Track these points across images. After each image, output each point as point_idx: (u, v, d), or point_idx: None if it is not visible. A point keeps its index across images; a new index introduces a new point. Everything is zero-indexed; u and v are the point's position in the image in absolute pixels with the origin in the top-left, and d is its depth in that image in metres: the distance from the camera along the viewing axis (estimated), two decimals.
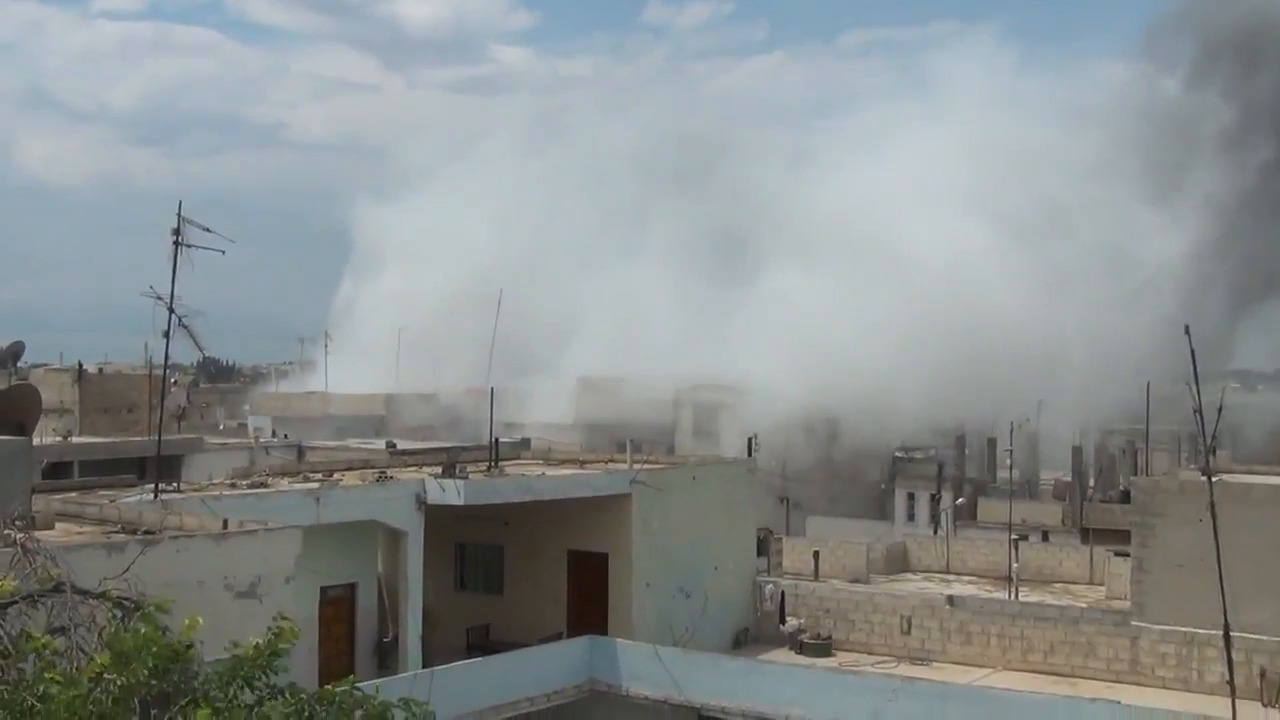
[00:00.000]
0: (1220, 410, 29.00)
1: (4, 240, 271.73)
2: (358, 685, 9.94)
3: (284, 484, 32.27)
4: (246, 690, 9.33)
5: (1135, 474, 52.33)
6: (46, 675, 8.74)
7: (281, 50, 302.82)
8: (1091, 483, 62.83)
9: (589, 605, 35.17)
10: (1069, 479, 60.82)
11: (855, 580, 41.50)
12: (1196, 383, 28.32)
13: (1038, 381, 66.75)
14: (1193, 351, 28.03)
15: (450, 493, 31.94)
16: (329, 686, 9.81)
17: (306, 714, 9.27)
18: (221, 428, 73.89)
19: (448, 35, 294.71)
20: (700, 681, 31.58)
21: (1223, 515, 28.89)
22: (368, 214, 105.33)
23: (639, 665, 32.14)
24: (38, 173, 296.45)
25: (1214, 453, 29.78)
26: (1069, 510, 57.90)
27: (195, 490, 30.34)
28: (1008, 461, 60.54)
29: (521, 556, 36.56)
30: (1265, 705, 29.50)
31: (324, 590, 30.17)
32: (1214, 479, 29.41)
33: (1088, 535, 51.67)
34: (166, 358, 31.93)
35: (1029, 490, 63.00)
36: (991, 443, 64.26)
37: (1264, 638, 30.05)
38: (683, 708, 31.56)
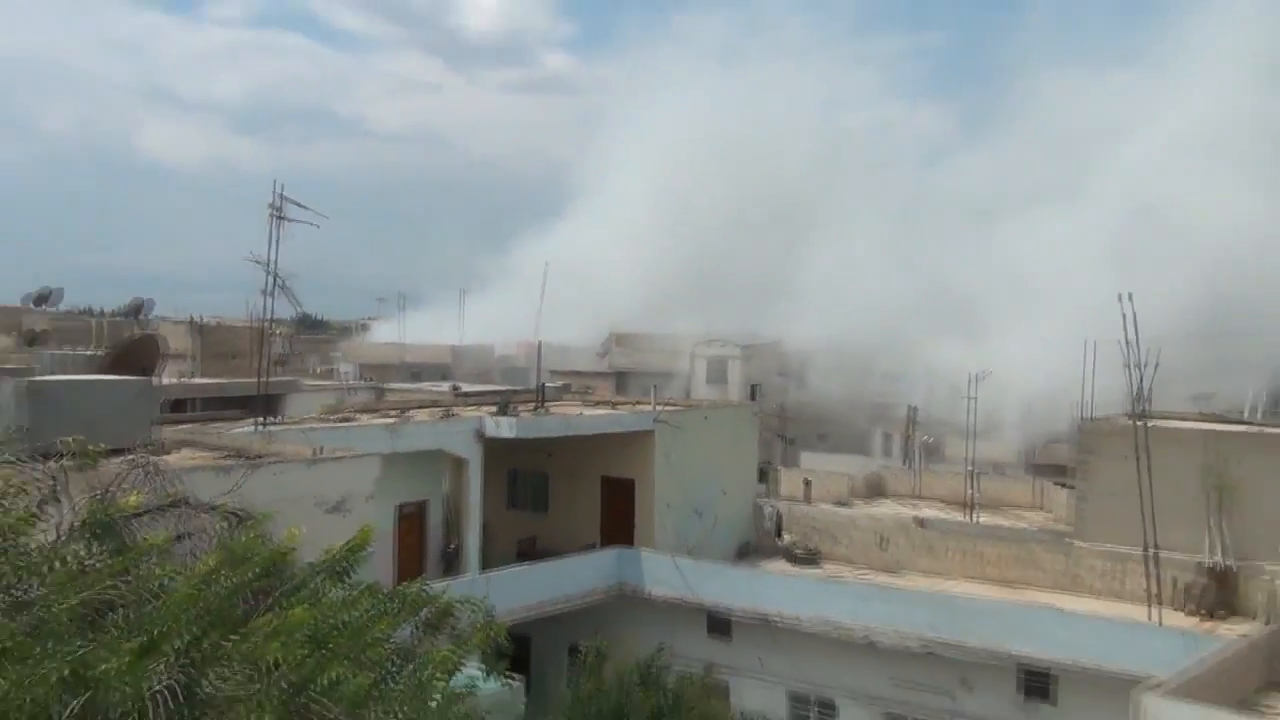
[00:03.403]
0: (1156, 366, 28.91)
1: (132, 213, 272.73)
2: (426, 585, 9.98)
3: (366, 419, 32.47)
4: (334, 587, 9.39)
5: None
6: (165, 570, 8.80)
7: (362, 54, 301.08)
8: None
9: (618, 522, 35.32)
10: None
11: (840, 504, 41.47)
12: (1136, 341, 28.20)
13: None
14: (1125, 315, 27.89)
15: (504, 428, 32.08)
16: (402, 585, 9.85)
17: (384, 609, 9.31)
18: (314, 372, 74.05)
19: (502, 42, 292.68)
20: (710, 586, 31.76)
21: (1150, 453, 28.83)
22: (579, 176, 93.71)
23: (659, 572, 32.34)
24: (158, 156, 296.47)
25: (1144, 400, 29.57)
26: (1021, 447, 57.51)
27: (292, 423, 30.57)
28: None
29: (563, 481, 36.70)
30: (1180, 611, 29.47)
31: (399, 507, 30.37)
32: (1143, 423, 29.33)
33: (1036, 469, 51.49)
34: (268, 313, 32.00)
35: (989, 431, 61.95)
36: None
37: (1181, 555, 29.95)
38: (695, 607, 31.77)
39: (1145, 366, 28.85)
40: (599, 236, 79.12)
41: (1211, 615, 29.15)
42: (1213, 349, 50.48)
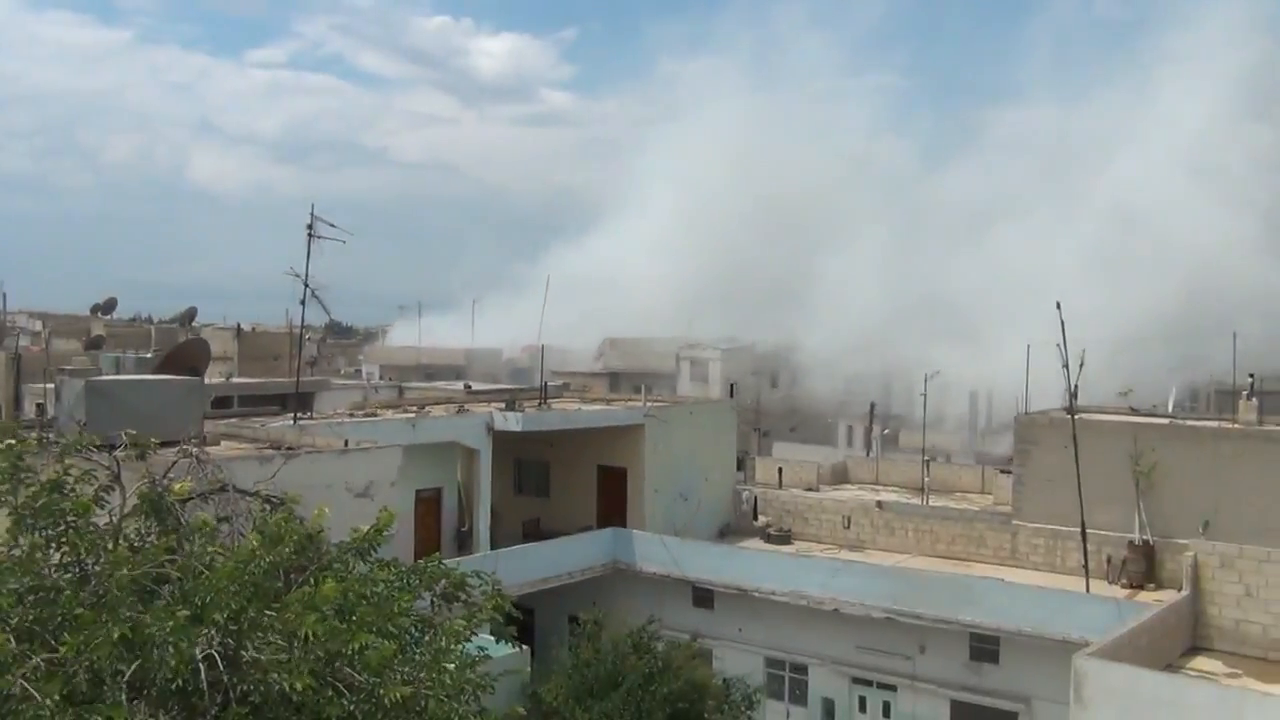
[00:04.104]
0: (1081, 365, 28.92)
1: (182, 233, 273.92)
2: (442, 561, 9.96)
3: (389, 414, 32.39)
4: (360, 563, 9.36)
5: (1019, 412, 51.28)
6: (210, 548, 8.77)
7: (386, 92, 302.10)
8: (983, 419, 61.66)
9: (612, 505, 35.23)
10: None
11: (809, 489, 41.41)
12: (1065, 345, 28.23)
13: None
14: (1062, 322, 27.92)
15: (511, 422, 31.99)
16: (421, 561, 9.82)
17: (405, 581, 9.30)
18: (342, 372, 73.79)
19: (510, 82, 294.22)
20: (694, 562, 31.71)
21: (1081, 443, 28.88)
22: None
23: (649, 550, 32.28)
24: (206, 183, 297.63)
25: (1075, 397, 29.60)
26: (968, 438, 57.42)
27: (323, 418, 30.48)
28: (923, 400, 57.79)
29: (563, 469, 36.60)
30: (1109, 582, 29.53)
31: (418, 492, 30.24)
32: (1075, 416, 29.37)
33: (981, 456, 51.39)
34: (303, 320, 31.96)
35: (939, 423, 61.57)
36: None
37: (1109, 533, 29.99)
38: (681, 581, 31.72)
39: (1083, 366, 28.87)
40: (618, 252, 78.83)
41: (1138, 586, 29.20)
42: (1183, 349, 49.41)
